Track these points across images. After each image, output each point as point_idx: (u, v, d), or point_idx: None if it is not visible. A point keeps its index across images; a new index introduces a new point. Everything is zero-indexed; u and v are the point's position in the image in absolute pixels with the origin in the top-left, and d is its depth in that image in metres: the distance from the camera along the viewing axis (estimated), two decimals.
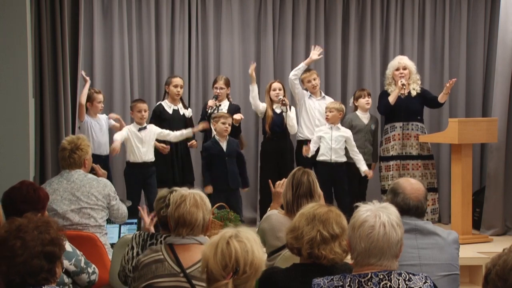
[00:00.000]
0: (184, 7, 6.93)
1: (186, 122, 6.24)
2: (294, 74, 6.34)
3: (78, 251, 3.24)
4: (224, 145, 5.88)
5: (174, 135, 6.00)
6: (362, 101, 6.36)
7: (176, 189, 3.29)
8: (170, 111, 6.15)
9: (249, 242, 2.19)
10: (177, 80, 6.19)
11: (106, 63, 6.78)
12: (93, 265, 3.35)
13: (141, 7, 6.83)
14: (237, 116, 6.12)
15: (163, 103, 6.20)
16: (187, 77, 6.95)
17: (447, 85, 6.06)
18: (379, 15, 7.20)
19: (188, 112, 6.30)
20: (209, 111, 6.13)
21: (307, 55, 7.13)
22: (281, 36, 7.13)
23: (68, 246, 3.18)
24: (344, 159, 6.07)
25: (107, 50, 6.77)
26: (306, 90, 6.46)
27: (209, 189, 5.78)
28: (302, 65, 6.35)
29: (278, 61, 7.16)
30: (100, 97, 5.98)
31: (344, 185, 6.08)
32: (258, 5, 7.09)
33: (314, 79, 6.37)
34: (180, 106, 6.24)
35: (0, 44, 5.28)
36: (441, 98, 6.13)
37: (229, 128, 5.86)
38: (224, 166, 5.86)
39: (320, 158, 6.04)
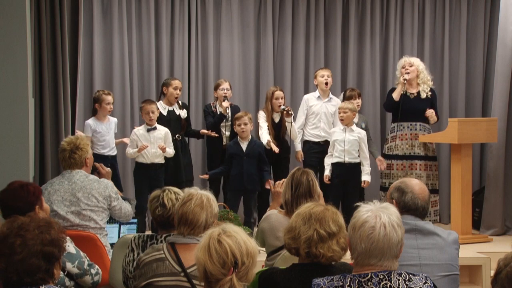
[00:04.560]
0: (184, 7, 6.93)
1: (181, 123, 6.23)
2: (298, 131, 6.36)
3: (81, 253, 3.25)
4: (244, 146, 5.91)
5: (170, 154, 5.95)
6: (353, 102, 6.33)
7: (167, 188, 3.31)
8: (165, 113, 6.13)
9: (238, 234, 2.23)
10: (177, 83, 6.18)
11: (106, 63, 6.78)
12: (96, 266, 3.35)
13: (141, 7, 6.83)
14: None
15: (158, 104, 6.18)
16: (187, 77, 6.95)
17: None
18: (379, 15, 7.20)
19: (183, 113, 6.27)
20: (228, 115, 6.15)
21: (307, 55, 7.16)
22: (281, 36, 7.13)
23: (72, 248, 3.18)
24: (358, 160, 6.00)
25: (107, 50, 6.76)
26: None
27: (205, 176, 6.03)
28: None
29: (278, 61, 7.16)
30: (109, 98, 5.95)
31: (356, 186, 6.03)
32: (258, 5, 7.09)
33: (329, 76, 6.36)
34: (175, 106, 6.23)
35: (0, 44, 5.28)
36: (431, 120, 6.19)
37: (246, 128, 5.87)
38: (241, 166, 5.88)
39: (333, 160, 6.01)
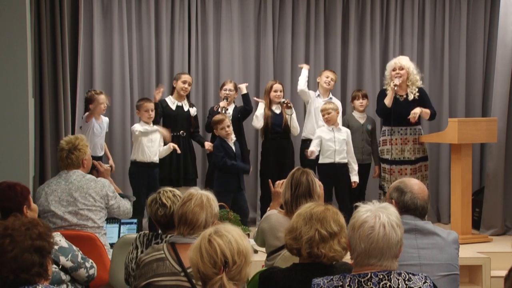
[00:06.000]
0: (184, 7, 6.93)
1: (190, 120, 6.24)
2: (303, 84, 6.34)
3: (74, 247, 3.27)
4: (232, 146, 5.92)
5: (160, 153, 5.94)
6: (357, 102, 6.40)
7: (161, 189, 3.31)
8: (174, 107, 6.14)
9: (229, 233, 2.22)
10: (186, 77, 6.21)
11: (106, 63, 6.78)
12: (91, 260, 3.36)
13: (141, 7, 6.83)
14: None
15: (167, 99, 6.20)
16: None
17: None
18: (379, 15, 7.20)
19: (193, 111, 6.29)
20: (221, 111, 6.13)
21: (306, 55, 7.15)
22: (281, 36, 7.13)
23: (64, 242, 3.21)
24: (346, 160, 6.04)
25: (107, 50, 6.77)
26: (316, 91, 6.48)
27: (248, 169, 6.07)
28: (304, 72, 6.39)
29: (277, 61, 7.16)
30: (102, 97, 5.92)
31: (345, 185, 6.05)
32: (258, 5, 7.10)
33: (332, 80, 6.40)
34: (185, 102, 6.24)
35: (0, 44, 5.28)
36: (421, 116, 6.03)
37: (229, 130, 5.87)
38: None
39: (324, 160, 6.00)
